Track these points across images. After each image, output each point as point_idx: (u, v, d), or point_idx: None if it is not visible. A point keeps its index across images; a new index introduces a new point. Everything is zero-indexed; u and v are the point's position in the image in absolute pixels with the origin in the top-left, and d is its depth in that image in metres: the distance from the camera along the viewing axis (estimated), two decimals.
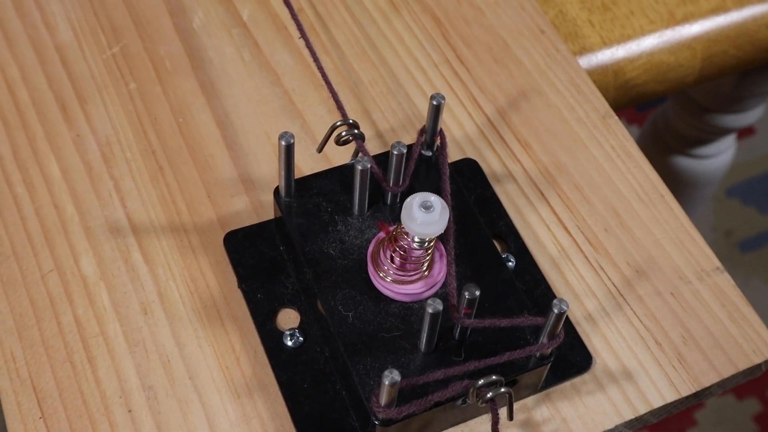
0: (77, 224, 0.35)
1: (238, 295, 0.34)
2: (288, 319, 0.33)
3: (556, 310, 0.28)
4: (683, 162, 0.79)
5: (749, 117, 0.73)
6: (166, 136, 0.37)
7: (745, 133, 1.35)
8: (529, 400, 0.32)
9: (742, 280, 1.31)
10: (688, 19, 0.47)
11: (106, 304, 0.33)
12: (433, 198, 0.29)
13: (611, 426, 0.32)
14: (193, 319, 0.33)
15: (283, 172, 0.32)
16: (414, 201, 0.29)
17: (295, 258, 0.33)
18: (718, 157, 0.79)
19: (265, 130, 0.38)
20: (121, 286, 0.34)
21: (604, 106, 0.40)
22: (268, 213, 0.36)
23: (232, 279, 0.34)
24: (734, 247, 1.35)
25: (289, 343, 0.32)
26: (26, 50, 0.40)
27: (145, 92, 0.39)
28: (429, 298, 0.29)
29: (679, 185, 0.81)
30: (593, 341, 0.33)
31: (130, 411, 0.31)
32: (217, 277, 0.34)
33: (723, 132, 0.75)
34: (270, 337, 0.32)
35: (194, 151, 0.37)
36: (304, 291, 0.33)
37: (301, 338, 0.32)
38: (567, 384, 0.32)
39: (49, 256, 0.34)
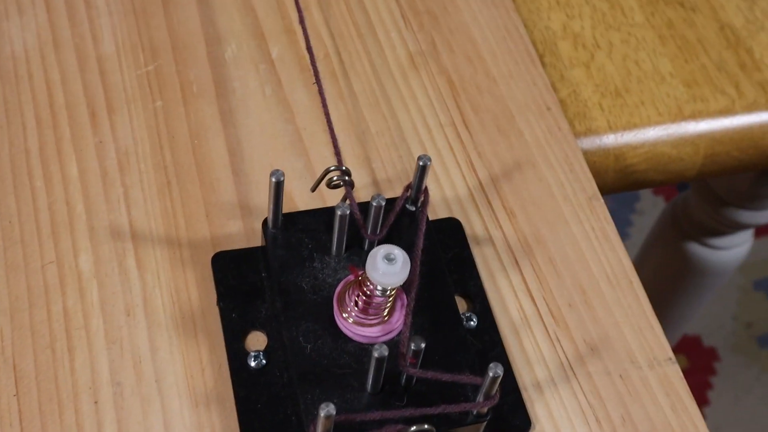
0: (83, 223, 0.38)
1: (215, 311, 0.36)
2: (256, 341, 0.36)
3: (491, 374, 0.30)
4: (697, 250, 0.80)
5: (767, 216, 0.74)
6: (180, 154, 0.40)
7: None
8: None
9: (755, 374, 1.31)
10: (695, 116, 0.48)
11: (94, 300, 0.36)
12: (397, 251, 0.31)
13: None
14: (170, 327, 0.36)
15: (271, 206, 0.35)
16: (378, 252, 0.31)
17: (271, 286, 0.36)
18: (732, 250, 0.80)
19: (271, 162, 0.41)
20: (111, 285, 0.36)
21: (593, 188, 0.42)
22: (258, 240, 0.38)
23: (213, 296, 0.37)
24: (753, 340, 1.34)
25: (252, 364, 0.35)
26: (70, 57, 0.43)
27: (169, 111, 0.42)
28: (382, 343, 0.32)
29: (689, 272, 0.82)
30: (536, 408, 0.35)
31: (96, 402, 0.34)
32: (200, 291, 0.37)
33: (739, 226, 0.76)
34: (236, 355, 0.35)
35: (202, 172, 0.40)
36: (275, 318, 0.36)
37: (264, 361, 0.35)
38: None
39: (52, 248, 0.37)
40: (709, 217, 0.76)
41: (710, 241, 0.79)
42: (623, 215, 1.43)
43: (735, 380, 1.30)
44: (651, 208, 1.46)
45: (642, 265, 0.89)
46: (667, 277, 0.85)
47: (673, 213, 0.81)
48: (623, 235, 1.41)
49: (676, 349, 1.31)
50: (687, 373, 1.35)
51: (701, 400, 1.27)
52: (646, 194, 1.47)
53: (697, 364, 1.31)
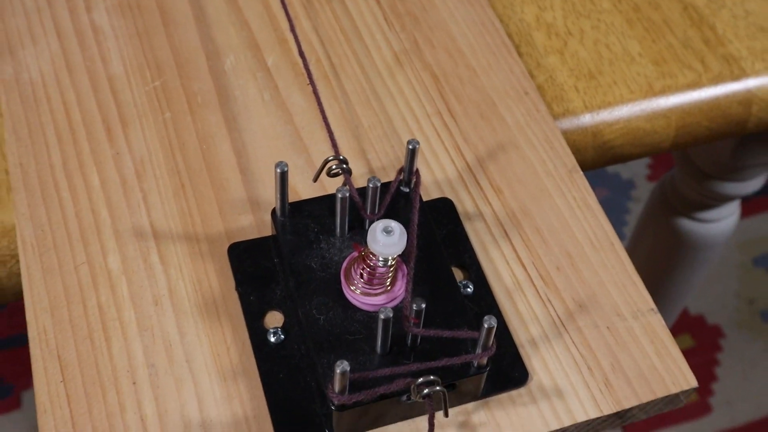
0: (109, 227, 0.42)
1: (235, 296, 0.40)
2: (274, 319, 0.39)
3: (486, 325, 0.34)
4: (687, 225, 0.84)
5: (750, 186, 0.78)
6: (190, 159, 0.44)
7: None
8: (469, 406, 0.37)
9: (761, 347, 1.34)
10: (665, 91, 0.52)
11: (125, 294, 0.40)
12: (394, 224, 0.35)
13: None
14: (195, 313, 0.39)
15: (278, 195, 0.38)
16: (377, 226, 0.35)
17: (284, 268, 0.39)
18: (721, 222, 0.83)
19: (275, 160, 0.44)
20: (138, 281, 0.40)
21: (572, 162, 0.45)
22: (268, 230, 0.42)
23: (232, 283, 0.40)
24: (756, 315, 1.37)
25: (272, 340, 0.38)
26: (83, 79, 0.47)
27: (178, 121, 0.45)
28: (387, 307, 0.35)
29: (682, 247, 0.85)
30: (533, 361, 0.39)
31: (134, 383, 0.37)
32: (219, 280, 0.40)
33: (724, 198, 0.80)
34: (257, 333, 0.38)
35: (213, 173, 0.44)
36: (289, 297, 0.39)
37: (282, 336, 0.38)
38: (504, 395, 0.38)
39: (83, 251, 0.41)
40: (696, 191, 0.80)
41: (699, 215, 0.82)
42: (620, 203, 1.47)
43: (741, 356, 1.33)
44: (647, 195, 1.49)
45: (636, 245, 0.92)
46: (661, 255, 0.89)
47: (661, 191, 0.85)
48: (620, 222, 1.44)
49: (681, 329, 1.34)
50: (693, 352, 1.38)
51: (709, 378, 1.30)
52: (641, 182, 1.50)
53: (703, 342, 1.34)
